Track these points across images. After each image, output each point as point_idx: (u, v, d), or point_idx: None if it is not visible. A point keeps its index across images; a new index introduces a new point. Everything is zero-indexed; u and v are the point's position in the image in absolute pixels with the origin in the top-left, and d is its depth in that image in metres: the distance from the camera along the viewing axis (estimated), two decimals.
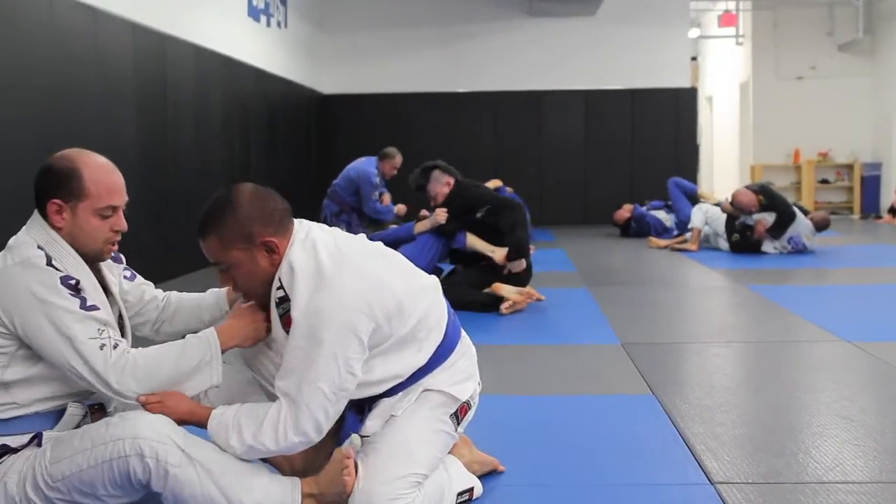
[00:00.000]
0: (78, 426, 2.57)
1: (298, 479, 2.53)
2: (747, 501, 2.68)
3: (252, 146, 10.49)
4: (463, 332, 2.75)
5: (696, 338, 5.47)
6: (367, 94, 14.27)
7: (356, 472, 2.47)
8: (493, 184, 10.07)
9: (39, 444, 2.51)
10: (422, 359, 2.56)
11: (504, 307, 5.95)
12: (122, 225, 2.60)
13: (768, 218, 9.34)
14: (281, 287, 2.45)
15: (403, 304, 2.49)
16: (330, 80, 14.30)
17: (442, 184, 6.59)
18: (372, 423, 2.57)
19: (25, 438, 2.51)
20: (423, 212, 7.23)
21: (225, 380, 2.59)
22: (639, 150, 14.23)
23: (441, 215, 6.35)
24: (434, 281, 2.72)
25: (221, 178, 9.26)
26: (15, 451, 2.50)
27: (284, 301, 2.45)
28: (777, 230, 9.33)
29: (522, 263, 6.17)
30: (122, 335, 2.70)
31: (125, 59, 7.02)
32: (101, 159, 2.62)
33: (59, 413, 2.55)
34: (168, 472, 2.35)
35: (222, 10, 9.61)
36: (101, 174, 2.57)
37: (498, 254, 6.20)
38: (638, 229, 11.65)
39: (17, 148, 5.37)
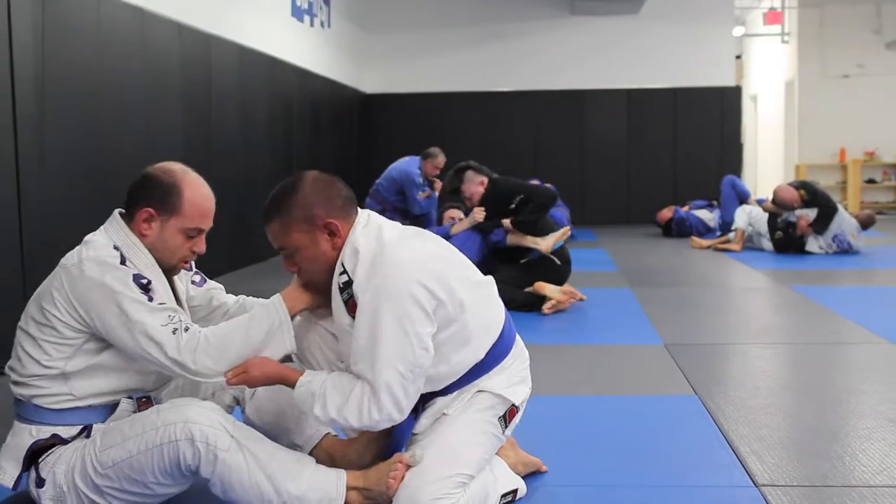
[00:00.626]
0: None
1: (344, 471, 2.55)
2: None
3: (295, 145, 10.55)
4: (518, 337, 2.76)
5: (739, 339, 5.43)
6: (409, 94, 14.30)
7: (403, 476, 2.48)
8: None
9: (88, 436, 2.57)
10: (478, 356, 2.57)
11: (546, 307, 5.94)
12: (202, 248, 2.70)
13: (810, 213, 9.25)
14: (344, 272, 2.47)
15: (459, 292, 2.49)
16: (372, 79, 14.34)
17: (476, 183, 6.61)
18: (424, 421, 2.59)
19: (76, 430, 2.58)
20: (451, 212, 7.24)
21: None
22: (682, 150, 14.13)
23: (479, 214, 6.35)
24: (490, 279, 2.72)
25: (265, 177, 9.33)
26: (65, 441, 2.56)
27: (348, 286, 2.46)
28: (820, 224, 9.21)
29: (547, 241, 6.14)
30: None
31: (171, 59, 7.09)
32: (201, 181, 2.70)
33: (111, 408, 2.61)
34: (217, 456, 2.39)
35: (266, 11, 9.67)
36: (200, 197, 2.66)
37: (542, 244, 6.17)
38: (679, 230, 11.57)
39: (66, 149, 5.44)
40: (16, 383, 2.62)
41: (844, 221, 9.24)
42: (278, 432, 2.78)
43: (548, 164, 13.60)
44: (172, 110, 7.11)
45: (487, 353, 2.59)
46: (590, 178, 14.03)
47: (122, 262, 2.55)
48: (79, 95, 5.54)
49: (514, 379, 2.65)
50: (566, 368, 4.52)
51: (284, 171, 10.01)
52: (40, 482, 2.55)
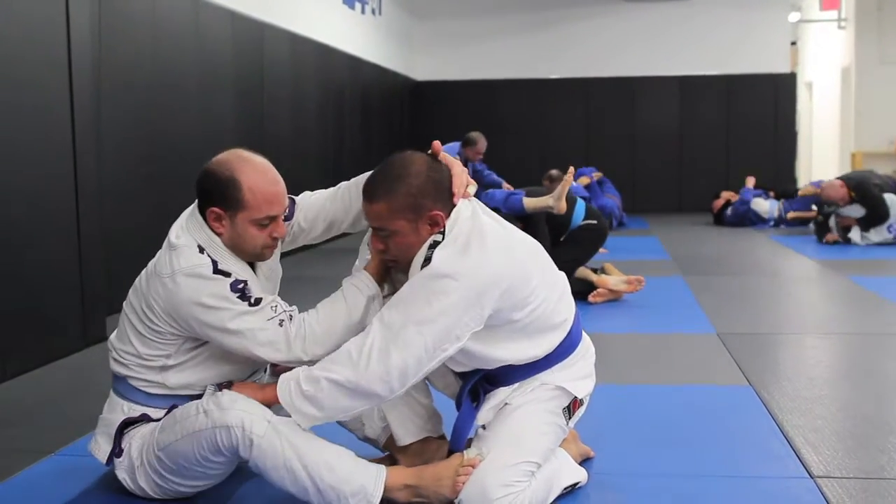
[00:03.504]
0: None
1: (385, 467, 2.52)
2: (849, 497, 2.62)
3: (346, 132, 10.60)
4: (585, 335, 2.73)
5: (794, 328, 5.37)
6: (459, 81, 14.28)
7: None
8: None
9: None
10: (539, 352, 2.55)
11: (593, 296, 5.89)
12: (282, 232, 2.63)
13: (856, 213, 9.11)
14: (432, 247, 2.41)
15: (535, 292, 2.47)
16: (423, 66, 14.35)
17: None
18: (486, 412, 2.57)
19: (164, 411, 2.63)
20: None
21: None
22: (735, 137, 13.97)
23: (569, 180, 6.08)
24: (563, 277, 2.70)
25: (316, 164, 9.39)
26: (153, 421, 2.63)
27: (428, 262, 2.40)
28: (865, 224, 9.11)
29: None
30: None
31: (224, 47, 7.15)
32: (261, 166, 2.61)
33: (197, 396, 2.63)
34: (253, 441, 2.39)
35: None
36: (260, 183, 2.56)
37: (553, 201, 5.96)
38: (733, 218, 11.44)
39: (122, 137, 5.52)
40: (116, 360, 2.68)
41: None
42: (352, 429, 2.83)
43: (599, 152, 13.52)
44: (225, 98, 7.17)
45: (553, 350, 2.57)
46: (641, 166, 13.94)
47: (216, 268, 2.51)
48: (134, 85, 5.60)
49: (578, 374, 2.64)
50: (618, 357, 4.50)
51: (335, 158, 10.05)
52: (119, 452, 2.62)
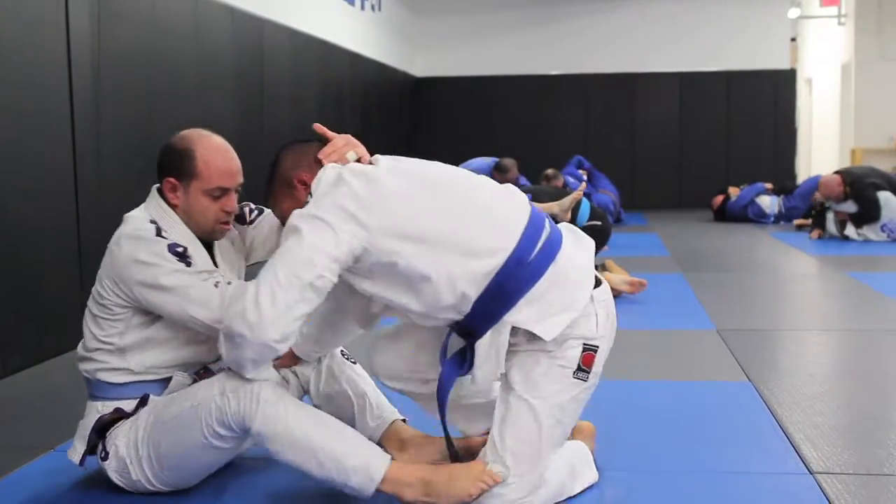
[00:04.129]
0: None
1: (391, 456, 2.49)
2: (848, 492, 2.62)
3: (346, 129, 10.44)
4: (562, 257, 2.44)
5: (793, 325, 5.37)
6: (460, 77, 14.27)
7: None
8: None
9: (145, 404, 2.64)
10: (468, 288, 2.34)
11: None
12: (232, 206, 2.70)
13: (850, 209, 9.14)
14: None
15: (423, 215, 2.36)
16: (423, 62, 14.34)
17: None
18: (480, 373, 2.43)
19: (135, 402, 2.65)
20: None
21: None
22: (735, 134, 13.96)
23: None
24: (506, 192, 2.55)
25: None
26: (128, 415, 2.64)
27: None
28: (857, 221, 9.15)
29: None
30: None
31: (224, 42, 7.14)
32: (217, 141, 2.71)
33: (167, 381, 2.67)
34: (259, 404, 2.40)
35: None
36: (214, 156, 2.67)
37: (559, 209, 5.95)
38: (735, 209, 11.44)
39: (122, 134, 5.51)
40: (81, 359, 2.71)
41: (894, 210, 9.08)
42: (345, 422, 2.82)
43: (598, 148, 13.50)
44: (225, 95, 7.16)
45: (495, 283, 2.34)
46: (641, 162, 13.93)
47: (158, 233, 2.60)
48: (133, 81, 5.59)
49: (550, 310, 2.38)
50: (618, 353, 4.46)
51: None
52: (105, 455, 2.62)
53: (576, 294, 2.43)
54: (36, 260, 4.41)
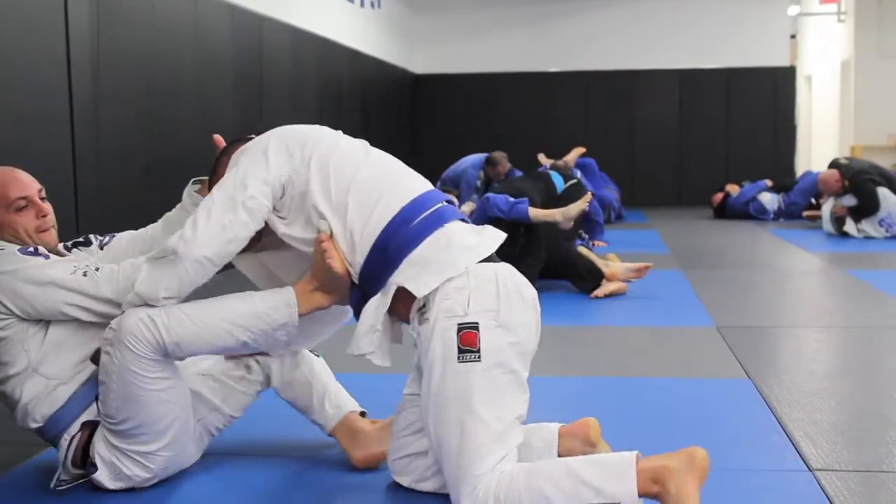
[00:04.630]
0: None
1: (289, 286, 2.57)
2: (847, 490, 2.62)
3: (346, 126, 10.50)
4: (450, 228, 2.46)
5: (793, 322, 5.37)
6: (459, 74, 14.27)
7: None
8: (576, 152, 10.10)
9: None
10: (362, 241, 2.44)
11: (593, 294, 5.85)
12: (44, 208, 2.78)
13: (849, 202, 9.17)
14: None
15: (330, 157, 2.52)
16: (422, 60, 14.34)
17: None
18: (363, 339, 2.43)
19: (93, 407, 2.65)
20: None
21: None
22: (735, 131, 13.96)
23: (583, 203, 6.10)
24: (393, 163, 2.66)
25: None
26: (95, 423, 2.64)
27: None
28: (856, 214, 9.17)
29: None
30: None
31: (223, 40, 7.14)
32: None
33: (92, 380, 2.67)
34: (154, 320, 2.45)
35: None
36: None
37: (560, 216, 5.94)
38: (736, 205, 11.45)
39: (121, 132, 5.51)
40: (22, 420, 2.69)
41: (893, 205, 9.09)
42: (301, 409, 2.89)
43: (598, 145, 13.46)
44: (224, 91, 7.16)
45: (381, 239, 2.42)
46: (641, 159, 13.93)
47: (1, 249, 2.66)
48: (133, 79, 5.60)
49: (426, 269, 2.37)
50: (617, 350, 4.50)
51: None
52: (93, 468, 2.62)
53: (455, 257, 2.38)
54: None
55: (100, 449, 2.61)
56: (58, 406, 2.64)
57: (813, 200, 10.36)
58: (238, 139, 2.73)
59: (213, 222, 2.40)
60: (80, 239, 2.96)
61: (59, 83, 4.64)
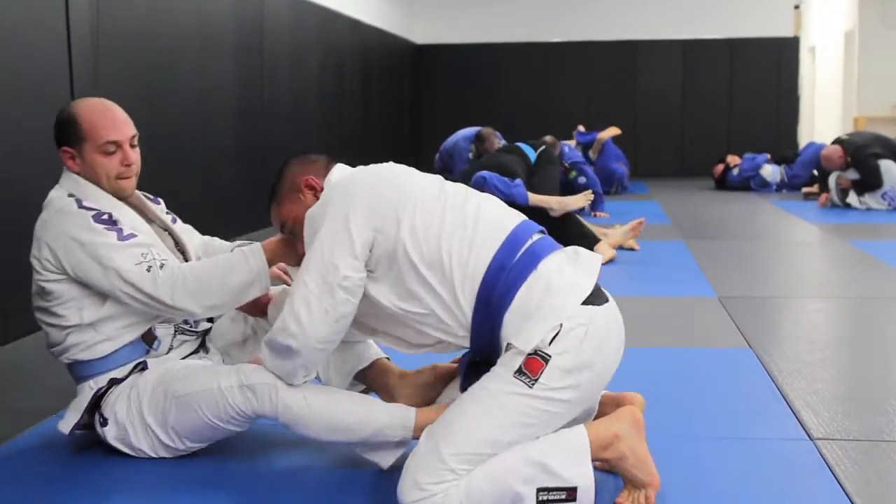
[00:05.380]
0: (170, 347, 2.74)
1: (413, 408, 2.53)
2: (848, 458, 2.63)
3: (346, 96, 10.55)
4: (547, 263, 2.33)
5: (795, 292, 5.37)
6: (460, 44, 14.19)
7: None
8: (610, 131, 10.20)
9: (144, 369, 2.68)
10: (466, 297, 2.29)
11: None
12: (130, 158, 2.74)
13: (852, 175, 9.16)
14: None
15: (414, 215, 2.34)
16: (423, 29, 14.26)
17: None
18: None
19: (128, 368, 2.67)
20: None
21: None
22: (737, 102, 13.91)
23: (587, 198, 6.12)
24: (502, 206, 2.49)
25: (316, 128, 9.35)
26: (120, 381, 2.65)
27: None
28: (859, 188, 9.17)
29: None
30: (186, 260, 2.85)
31: (223, 9, 7.09)
32: (96, 101, 2.76)
33: (144, 337, 2.71)
34: (279, 395, 2.46)
35: None
36: (96, 114, 2.71)
37: (557, 205, 5.99)
38: (738, 180, 11.43)
39: (121, 100, 5.48)
40: (58, 354, 2.73)
41: (895, 178, 9.07)
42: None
43: (600, 116, 13.45)
44: (225, 61, 7.13)
45: (484, 293, 2.27)
46: (643, 131, 13.87)
47: (80, 206, 2.63)
48: (132, 51, 5.57)
49: (532, 320, 2.24)
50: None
51: (335, 123, 10.01)
52: (104, 422, 2.63)
53: (557, 302, 2.26)
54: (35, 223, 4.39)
55: (119, 410, 2.62)
56: (96, 357, 2.67)
57: (815, 172, 10.32)
58: (298, 155, 2.66)
59: (313, 310, 2.30)
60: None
61: (60, 58, 4.61)
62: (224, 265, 2.61)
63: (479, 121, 10.18)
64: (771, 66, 13.88)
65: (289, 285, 2.83)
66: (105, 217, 2.62)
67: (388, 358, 2.84)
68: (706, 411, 3.10)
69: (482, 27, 14.14)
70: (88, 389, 2.67)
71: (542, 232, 2.44)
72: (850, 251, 6.66)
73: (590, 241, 5.93)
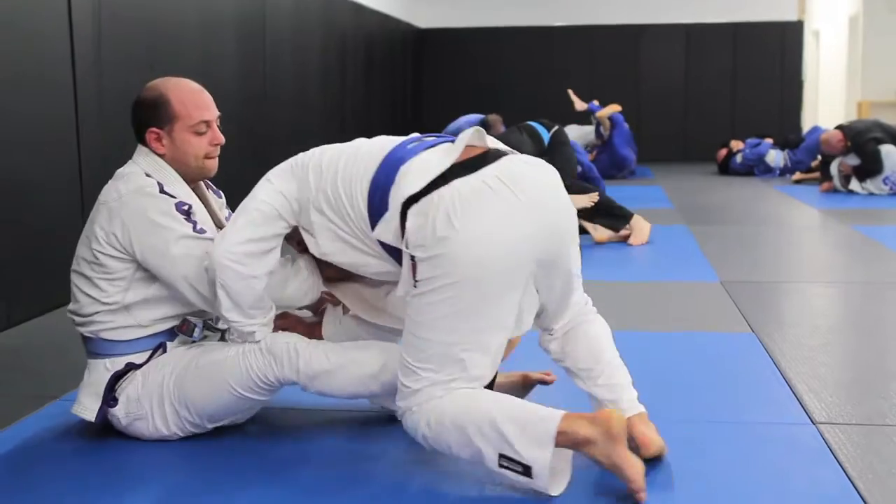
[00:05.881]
0: (193, 340, 2.73)
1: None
2: (850, 442, 2.63)
3: (349, 80, 10.52)
4: (411, 162, 2.40)
5: (797, 277, 5.37)
6: (463, 28, 14.16)
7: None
8: (611, 108, 10.21)
9: (164, 351, 2.68)
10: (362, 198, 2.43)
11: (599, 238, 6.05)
12: (220, 138, 2.75)
13: (853, 161, 9.14)
14: None
15: (328, 158, 2.52)
16: (426, 13, 14.21)
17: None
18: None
19: (147, 354, 2.66)
20: None
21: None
22: (741, 86, 13.86)
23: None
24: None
25: (319, 112, 9.34)
26: (139, 366, 2.64)
27: None
28: (860, 174, 9.15)
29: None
30: None
31: None
32: (184, 81, 2.77)
33: (174, 330, 2.71)
34: (299, 354, 2.51)
35: None
36: (187, 94, 2.71)
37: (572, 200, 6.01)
38: (742, 166, 11.41)
39: (123, 85, 5.47)
40: (80, 324, 2.70)
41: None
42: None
43: (603, 100, 13.35)
44: (227, 45, 7.11)
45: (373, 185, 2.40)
46: (646, 115, 13.83)
47: (161, 189, 2.62)
48: (135, 32, 5.55)
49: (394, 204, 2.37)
50: (621, 304, 4.50)
51: (337, 108, 9.99)
52: (113, 402, 2.63)
53: (400, 191, 2.34)
54: (39, 212, 4.40)
55: (130, 390, 2.62)
56: (120, 339, 2.66)
57: (818, 157, 10.30)
58: None
59: (230, 229, 2.50)
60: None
61: (61, 36, 4.60)
62: (284, 273, 2.66)
63: (480, 105, 10.18)
64: (775, 50, 13.83)
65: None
66: (185, 208, 2.63)
67: None
68: (709, 396, 3.10)
69: (485, 11, 14.10)
70: (104, 370, 2.65)
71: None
72: (853, 236, 6.65)
73: (624, 219, 6.01)
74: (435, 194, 2.27)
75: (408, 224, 2.27)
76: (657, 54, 13.95)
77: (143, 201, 2.59)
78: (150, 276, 2.62)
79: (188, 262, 2.55)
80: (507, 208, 2.26)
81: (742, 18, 13.76)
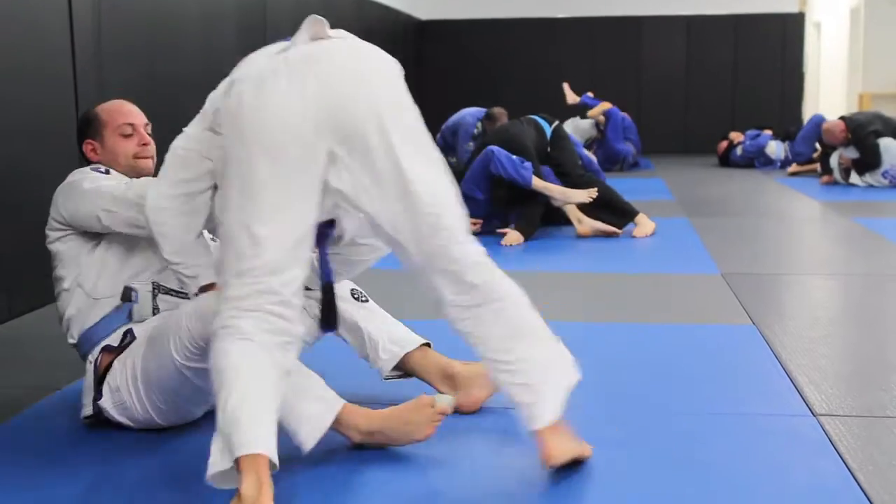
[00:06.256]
0: (155, 308, 2.77)
1: (343, 403, 2.46)
2: (851, 434, 2.63)
3: None
4: None
5: (798, 269, 5.37)
6: (464, 20, 14.13)
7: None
8: (602, 107, 10.23)
9: (133, 338, 2.69)
10: None
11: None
12: (146, 139, 2.96)
13: (853, 154, 9.15)
14: None
15: None
16: (427, 5, 14.18)
17: None
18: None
19: (119, 335, 2.70)
20: None
21: None
22: (742, 79, 13.84)
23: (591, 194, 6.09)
24: None
25: None
26: (115, 349, 2.67)
27: None
28: (859, 167, 9.15)
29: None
30: None
31: None
32: (112, 100, 3.07)
33: (130, 304, 2.75)
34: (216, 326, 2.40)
35: None
36: (113, 106, 3.00)
37: (560, 196, 5.99)
38: (743, 158, 11.42)
39: (123, 74, 5.47)
40: (66, 330, 2.83)
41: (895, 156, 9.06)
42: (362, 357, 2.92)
43: (604, 92, 13.34)
44: (227, 36, 7.10)
45: None
46: (647, 107, 13.81)
47: (101, 173, 2.87)
48: (135, 24, 5.54)
49: None
50: (621, 296, 4.50)
51: None
52: (99, 395, 2.64)
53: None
54: (39, 204, 4.38)
55: (110, 378, 2.63)
56: (89, 325, 2.74)
57: (817, 146, 10.28)
58: None
59: (162, 174, 2.55)
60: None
61: (61, 25, 4.59)
62: None
63: (481, 97, 10.17)
64: (776, 42, 13.81)
65: None
66: (102, 170, 2.86)
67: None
68: (709, 387, 3.10)
69: (486, 2, 14.07)
70: (90, 365, 2.70)
71: None
72: (854, 228, 6.65)
73: (628, 215, 6.10)
74: (238, 73, 2.43)
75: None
76: (658, 46, 13.93)
77: (73, 178, 2.83)
78: (91, 244, 2.78)
79: (99, 192, 2.72)
80: (288, 87, 2.31)
81: (743, 10, 13.74)
